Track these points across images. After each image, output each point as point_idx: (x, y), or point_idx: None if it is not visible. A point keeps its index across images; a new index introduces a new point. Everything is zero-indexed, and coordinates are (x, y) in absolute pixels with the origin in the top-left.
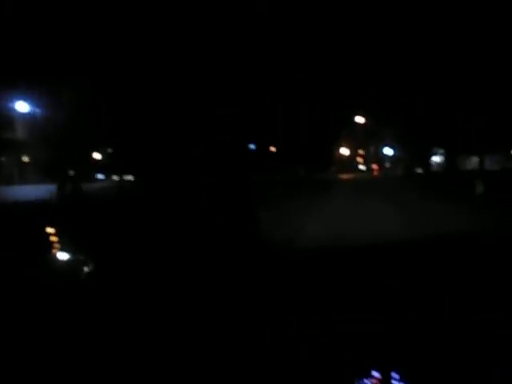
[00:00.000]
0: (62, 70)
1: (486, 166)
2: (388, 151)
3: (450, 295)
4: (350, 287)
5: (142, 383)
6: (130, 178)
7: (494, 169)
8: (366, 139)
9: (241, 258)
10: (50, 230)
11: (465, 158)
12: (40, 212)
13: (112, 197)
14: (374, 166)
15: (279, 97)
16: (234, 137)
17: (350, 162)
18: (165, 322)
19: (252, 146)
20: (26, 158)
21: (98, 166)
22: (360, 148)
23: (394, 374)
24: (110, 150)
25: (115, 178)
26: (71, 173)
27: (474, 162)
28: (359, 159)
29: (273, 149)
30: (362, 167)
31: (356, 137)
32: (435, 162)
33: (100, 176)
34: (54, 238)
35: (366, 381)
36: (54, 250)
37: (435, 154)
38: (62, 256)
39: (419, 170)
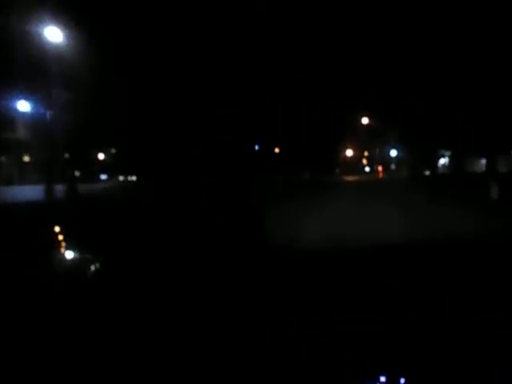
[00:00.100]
0: (64, 70)
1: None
2: (393, 153)
3: (450, 295)
4: (351, 287)
5: (144, 382)
6: (133, 178)
7: (502, 171)
8: (370, 141)
9: (242, 258)
10: (56, 228)
11: (471, 160)
12: (45, 211)
13: (114, 197)
14: (379, 168)
15: (282, 97)
16: (235, 137)
17: (355, 164)
18: (166, 321)
19: (256, 147)
20: (26, 158)
21: (102, 166)
22: (365, 150)
23: (401, 380)
24: (113, 151)
25: (121, 178)
26: (70, 173)
27: (481, 164)
28: (364, 161)
29: (277, 150)
30: (366, 169)
31: (361, 138)
32: (441, 164)
33: (103, 176)
34: (60, 237)
35: None
36: (61, 249)
37: (442, 155)
38: (69, 255)
39: (427, 172)
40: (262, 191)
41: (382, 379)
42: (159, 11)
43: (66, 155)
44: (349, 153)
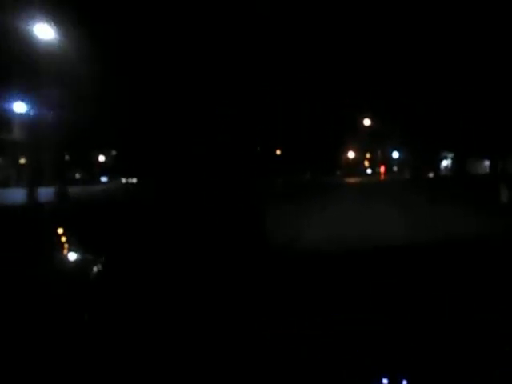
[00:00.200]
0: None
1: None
2: (395, 154)
3: (450, 295)
4: (352, 287)
5: (145, 382)
6: (133, 180)
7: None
8: (372, 142)
9: (243, 258)
10: (59, 230)
11: (474, 162)
12: (46, 213)
13: (109, 199)
14: (381, 170)
15: (283, 98)
16: (236, 137)
17: (356, 166)
18: (167, 321)
19: (257, 147)
20: (22, 160)
21: (102, 168)
22: (367, 151)
23: (402, 380)
24: (113, 153)
25: (123, 180)
26: (62, 175)
27: (484, 165)
28: (366, 163)
29: (278, 151)
30: (368, 171)
31: (362, 140)
32: (443, 166)
33: (103, 178)
34: (63, 239)
35: None
36: (64, 251)
37: (445, 157)
38: (72, 256)
39: (431, 174)
40: (263, 192)
41: (383, 379)
42: (159, 10)
43: (67, 157)
44: (350, 154)
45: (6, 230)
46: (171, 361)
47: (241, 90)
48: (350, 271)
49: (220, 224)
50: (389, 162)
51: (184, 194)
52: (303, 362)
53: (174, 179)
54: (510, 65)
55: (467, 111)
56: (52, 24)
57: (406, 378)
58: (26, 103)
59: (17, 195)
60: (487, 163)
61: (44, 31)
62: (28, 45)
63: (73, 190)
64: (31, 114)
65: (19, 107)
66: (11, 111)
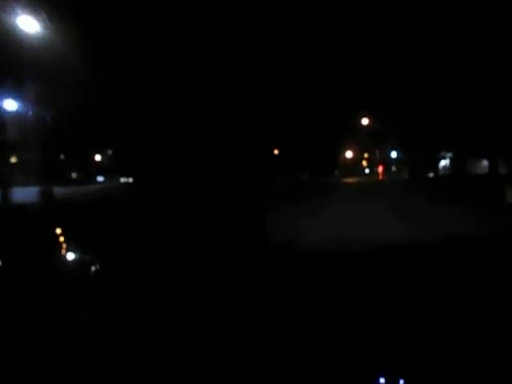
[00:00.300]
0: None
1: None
2: (394, 154)
3: (450, 295)
4: (352, 287)
5: (145, 382)
6: (129, 179)
7: (502, 173)
8: (371, 142)
9: (243, 258)
10: (57, 230)
11: (473, 162)
12: (43, 213)
13: (106, 199)
14: (379, 170)
15: (281, 98)
16: (237, 137)
17: (354, 166)
18: (167, 321)
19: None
20: (13, 159)
21: (99, 167)
22: (365, 151)
23: (402, 380)
24: (110, 152)
25: (122, 179)
26: (45, 175)
27: (483, 165)
28: (364, 163)
29: (276, 151)
30: (366, 171)
31: (361, 140)
32: (442, 166)
33: (100, 178)
34: (61, 239)
35: None
36: (62, 250)
37: (443, 157)
38: (71, 256)
39: (431, 174)
40: (262, 192)
41: (383, 379)
42: (161, 10)
43: (63, 156)
44: (348, 154)
45: None
46: (170, 358)
47: (240, 90)
48: (350, 271)
49: (220, 224)
50: (387, 161)
51: (184, 194)
52: (303, 361)
53: (174, 179)
54: (510, 65)
55: (466, 111)
56: (38, 17)
57: (405, 378)
58: (16, 101)
59: (18, 194)
60: (486, 163)
61: (29, 24)
62: (13, 38)
63: (65, 190)
64: (17, 111)
65: (10, 105)
66: (1, 109)
